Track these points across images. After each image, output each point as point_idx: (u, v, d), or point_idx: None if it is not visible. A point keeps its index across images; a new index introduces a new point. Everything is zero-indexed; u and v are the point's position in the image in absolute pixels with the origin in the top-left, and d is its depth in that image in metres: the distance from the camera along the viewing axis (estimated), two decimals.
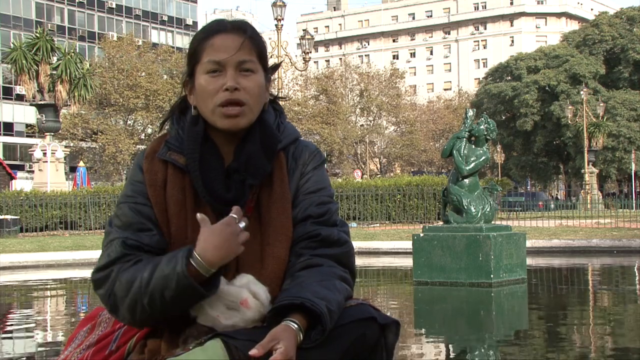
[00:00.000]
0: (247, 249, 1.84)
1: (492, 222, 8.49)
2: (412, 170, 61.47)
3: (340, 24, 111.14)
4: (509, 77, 58.91)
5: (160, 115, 48.48)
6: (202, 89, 1.84)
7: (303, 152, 1.94)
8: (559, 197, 64.60)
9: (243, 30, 1.86)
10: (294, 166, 1.92)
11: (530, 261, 9.40)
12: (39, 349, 5.12)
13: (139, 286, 1.70)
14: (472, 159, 8.31)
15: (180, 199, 1.83)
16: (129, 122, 50.97)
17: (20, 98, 54.47)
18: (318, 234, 1.86)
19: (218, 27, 1.86)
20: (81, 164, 31.99)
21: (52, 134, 26.81)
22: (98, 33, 67.22)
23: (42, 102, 26.06)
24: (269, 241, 1.85)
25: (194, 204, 1.83)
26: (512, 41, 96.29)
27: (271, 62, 1.96)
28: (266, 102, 1.92)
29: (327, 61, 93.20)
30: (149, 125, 50.68)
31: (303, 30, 25.86)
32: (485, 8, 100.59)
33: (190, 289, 1.67)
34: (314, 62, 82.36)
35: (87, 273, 11.73)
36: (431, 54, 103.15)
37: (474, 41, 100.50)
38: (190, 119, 1.88)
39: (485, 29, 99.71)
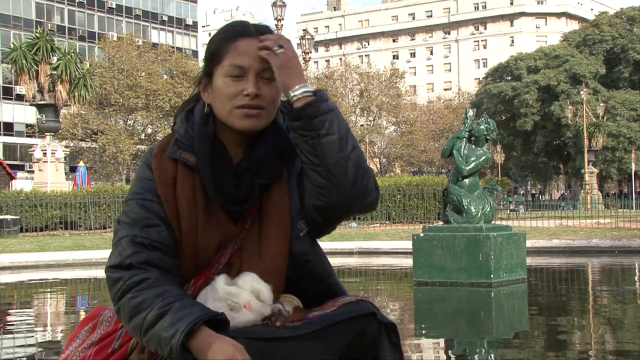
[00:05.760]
0: (249, 245, 1.85)
1: (492, 222, 8.49)
2: (412, 170, 61.45)
3: (340, 24, 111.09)
4: (509, 77, 58.85)
5: (161, 115, 48.51)
6: (221, 91, 1.84)
7: None
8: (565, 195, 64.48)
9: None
10: (298, 165, 1.89)
11: (530, 261, 9.40)
12: (40, 348, 5.12)
13: (140, 324, 1.71)
14: (472, 159, 8.31)
15: (191, 197, 1.83)
16: (129, 122, 50.95)
17: (20, 98, 54.42)
18: None
19: (243, 30, 1.86)
20: (81, 164, 31.94)
21: (52, 134, 26.78)
22: (98, 33, 67.18)
23: (42, 102, 26.04)
24: (268, 234, 1.86)
25: (204, 202, 1.84)
26: (512, 41, 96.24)
27: None
28: (279, 106, 1.93)
29: (327, 61, 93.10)
30: (149, 125, 50.67)
31: (303, 30, 25.85)
32: (485, 8, 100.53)
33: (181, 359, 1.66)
34: (314, 62, 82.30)
35: (87, 273, 11.74)
36: (431, 54, 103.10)
37: (474, 41, 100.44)
38: (201, 119, 1.88)
39: (485, 29, 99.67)
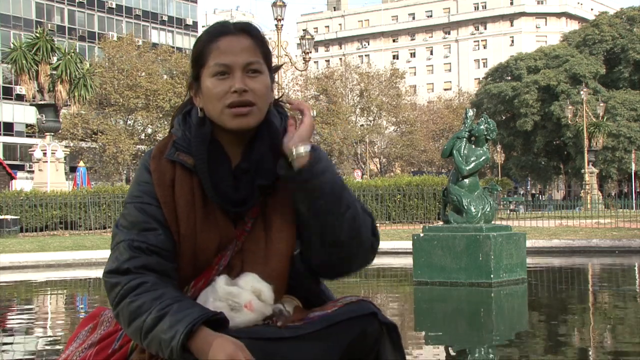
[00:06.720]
0: (252, 247, 1.85)
1: (492, 222, 8.49)
2: (412, 170, 61.44)
3: (340, 24, 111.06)
4: (509, 77, 58.84)
5: (161, 115, 48.53)
6: (210, 92, 1.84)
7: None
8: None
9: (247, 31, 1.87)
10: None
11: (530, 261, 9.40)
12: (39, 348, 5.12)
13: (140, 327, 1.72)
14: (472, 159, 8.31)
15: (190, 199, 1.83)
16: (129, 122, 50.97)
17: (20, 98, 54.40)
18: None
19: (222, 29, 1.87)
20: (81, 164, 31.94)
21: (52, 134, 26.76)
22: (98, 33, 67.18)
23: (42, 102, 26.02)
24: (272, 238, 1.86)
25: (203, 204, 1.84)
26: (512, 41, 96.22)
27: (273, 61, 1.96)
28: (271, 102, 1.93)
29: (327, 61, 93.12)
30: (149, 125, 50.68)
31: (303, 30, 25.85)
32: (485, 8, 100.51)
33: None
34: (314, 62, 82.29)
35: (87, 273, 11.74)
36: (431, 54, 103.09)
37: (474, 41, 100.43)
38: (197, 121, 1.88)
39: (485, 29, 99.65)
